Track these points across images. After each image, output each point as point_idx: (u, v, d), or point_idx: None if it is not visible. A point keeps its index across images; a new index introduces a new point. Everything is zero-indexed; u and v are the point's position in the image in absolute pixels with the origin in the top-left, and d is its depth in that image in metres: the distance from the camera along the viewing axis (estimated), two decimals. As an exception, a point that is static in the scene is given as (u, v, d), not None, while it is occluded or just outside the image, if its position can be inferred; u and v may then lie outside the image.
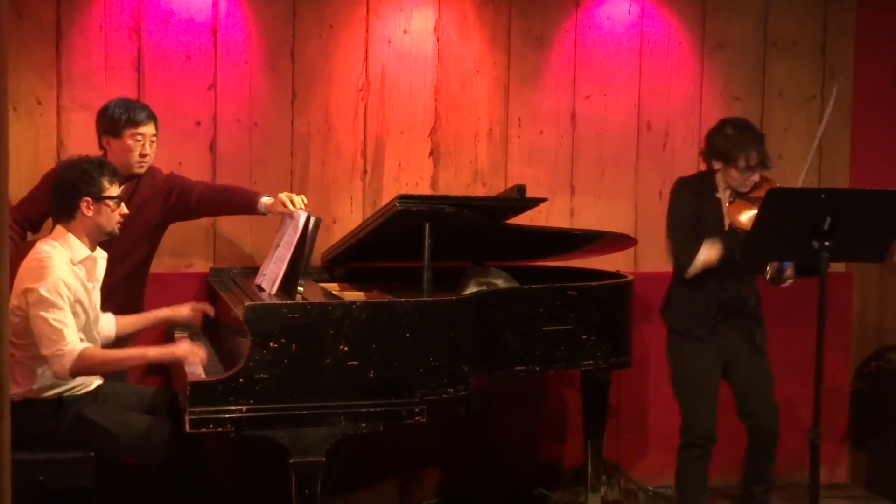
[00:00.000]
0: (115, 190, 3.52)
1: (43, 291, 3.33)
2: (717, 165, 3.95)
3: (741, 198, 3.90)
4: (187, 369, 3.33)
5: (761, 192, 3.87)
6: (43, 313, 3.32)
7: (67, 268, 3.43)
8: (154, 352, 3.53)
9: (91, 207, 3.47)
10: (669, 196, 4.12)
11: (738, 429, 4.14)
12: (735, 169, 3.87)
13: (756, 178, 3.90)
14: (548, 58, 4.83)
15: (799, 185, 3.95)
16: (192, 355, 3.37)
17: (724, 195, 3.97)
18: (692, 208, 3.99)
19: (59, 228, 3.52)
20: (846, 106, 5.18)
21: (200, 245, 4.45)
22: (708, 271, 3.93)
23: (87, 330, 3.50)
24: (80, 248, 3.50)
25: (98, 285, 3.63)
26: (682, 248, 3.98)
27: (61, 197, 3.51)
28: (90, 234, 3.52)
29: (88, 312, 3.52)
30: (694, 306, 4.01)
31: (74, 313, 3.40)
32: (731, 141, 3.88)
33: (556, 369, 4.00)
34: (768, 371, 4.08)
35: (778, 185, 3.89)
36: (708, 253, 3.91)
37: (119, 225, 3.56)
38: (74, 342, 3.33)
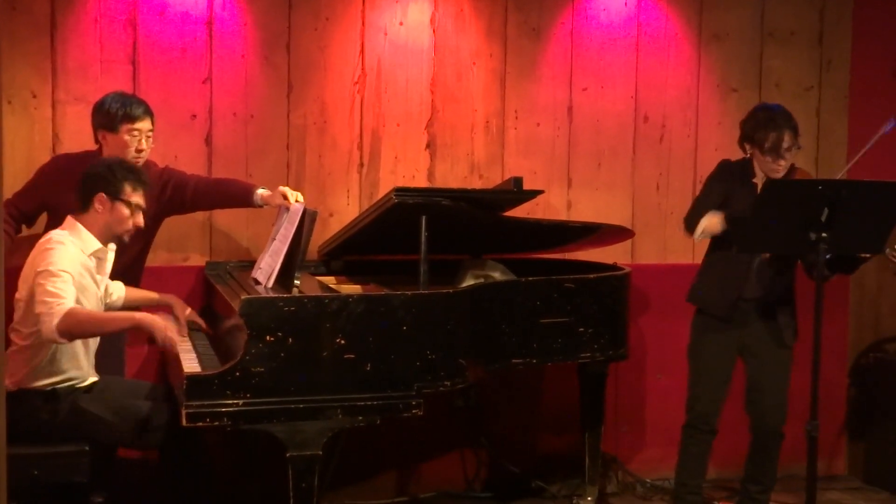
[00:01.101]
0: (136, 198, 3.51)
1: (49, 268, 3.33)
2: (748, 149, 3.95)
3: None
4: (184, 364, 3.32)
5: None
6: (42, 281, 3.31)
7: (77, 254, 3.43)
8: (141, 316, 3.39)
9: (104, 204, 3.47)
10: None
11: (745, 422, 4.13)
12: (760, 151, 3.86)
13: (783, 163, 3.87)
14: (544, 50, 4.82)
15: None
16: (170, 330, 3.36)
17: (760, 182, 3.95)
18: (721, 187, 3.99)
19: (70, 220, 3.51)
20: (843, 96, 5.17)
21: (196, 239, 4.44)
22: (737, 258, 3.91)
23: None
24: (91, 240, 3.49)
25: (106, 278, 3.64)
26: (693, 211, 4.01)
27: (82, 187, 3.52)
28: (100, 232, 3.51)
29: (95, 305, 3.52)
30: (717, 285, 4.00)
31: (77, 301, 3.38)
32: (757, 122, 3.89)
33: (553, 362, 4.00)
34: (786, 368, 4.03)
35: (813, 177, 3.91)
36: (709, 219, 3.91)
37: (129, 234, 3.55)
38: (67, 304, 3.30)
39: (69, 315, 3.27)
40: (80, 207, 3.51)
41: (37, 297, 3.32)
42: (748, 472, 4.16)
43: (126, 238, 3.56)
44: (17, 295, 3.44)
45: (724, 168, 4.07)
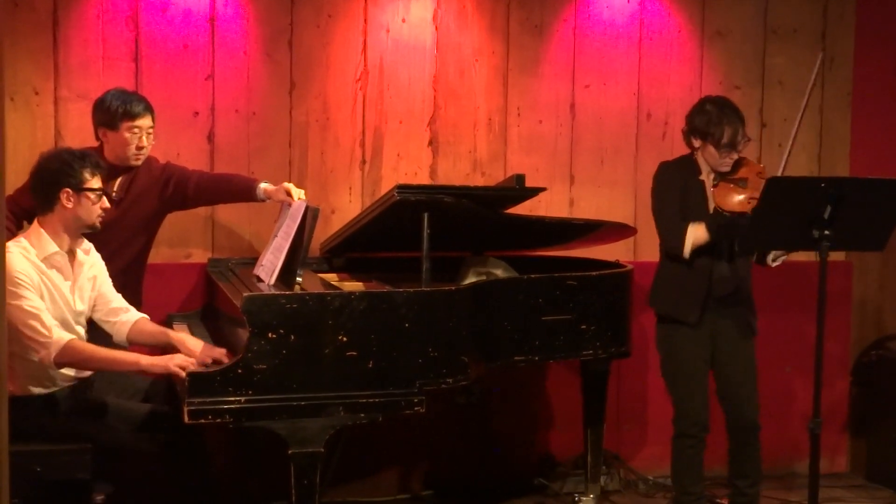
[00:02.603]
0: (96, 182, 3.45)
1: (9, 287, 3.21)
2: (696, 143, 3.94)
3: (725, 181, 3.89)
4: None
5: (744, 174, 3.87)
6: (13, 301, 3.23)
7: (24, 261, 3.34)
8: (147, 361, 3.34)
9: (71, 199, 3.40)
10: (653, 180, 4.09)
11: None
12: (713, 145, 3.85)
13: (735, 156, 3.88)
14: (547, 46, 4.81)
15: (782, 164, 3.92)
16: (186, 367, 3.24)
17: (707, 178, 3.95)
18: (676, 191, 3.97)
19: (34, 224, 3.47)
20: (846, 94, 5.16)
21: (199, 235, 4.44)
22: (698, 255, 3.90)
23: (67, 325, 3.41)
24: (48, 245, 3.41)
25: (86, 287, 3.55)
26: (672, 232, 3.96)
27: (41, 188, 3.45)
28: (69, 227, 3.45)
29: (64, 309, 3.43)
30: (684, 291, 3.98)
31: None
32: (709, 117, 3.87)
33: (555, 359, 4.00)
34: (753, 359, 4.05)
35: (762, 166, 3.91)
36: (696, 233, 3.88)
37: (101, 219, 3.49)
38: (56, 329, 3.27)
39: (69, 349, 3.27)
40: (43, 208, 3.44)
41: (15, 320, 3.21)
42: (733, 468, 4.14)
43: (98, 224, 3.50)
44: None
45: (667, 170, 4.05)
